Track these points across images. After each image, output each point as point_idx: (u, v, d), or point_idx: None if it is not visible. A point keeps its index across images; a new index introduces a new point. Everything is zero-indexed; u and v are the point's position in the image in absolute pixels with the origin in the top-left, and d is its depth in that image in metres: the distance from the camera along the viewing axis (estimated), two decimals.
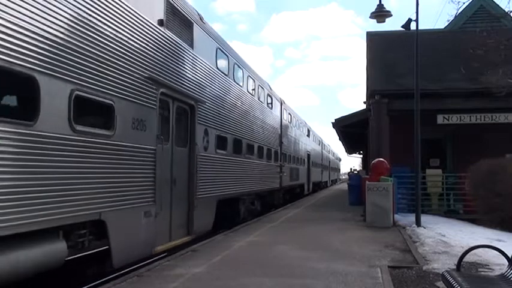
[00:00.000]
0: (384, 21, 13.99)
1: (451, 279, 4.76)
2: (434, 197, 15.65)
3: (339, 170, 79.18)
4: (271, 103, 18.16)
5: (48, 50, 5.17)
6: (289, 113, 22.30)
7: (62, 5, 5.45)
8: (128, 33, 6.94)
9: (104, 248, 6.61)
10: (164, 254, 8.51)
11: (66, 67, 5.47)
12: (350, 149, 39.84)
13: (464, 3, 12.94)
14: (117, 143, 6.54)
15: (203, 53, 10.18)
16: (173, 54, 8.57)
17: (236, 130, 12.80)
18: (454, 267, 5.84)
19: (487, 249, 6.16)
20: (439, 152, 17.68)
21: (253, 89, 15.20)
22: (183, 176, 9.07)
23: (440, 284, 5.98)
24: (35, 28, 5.00)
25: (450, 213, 14.90)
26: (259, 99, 16.01)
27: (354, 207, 17.56)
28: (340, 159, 74.66)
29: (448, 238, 9.82)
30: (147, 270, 7.08)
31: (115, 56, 6.55)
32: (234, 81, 12.89)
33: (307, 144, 29.41)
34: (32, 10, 4.93)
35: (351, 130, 21.82)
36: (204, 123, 10.08)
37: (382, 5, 13.65)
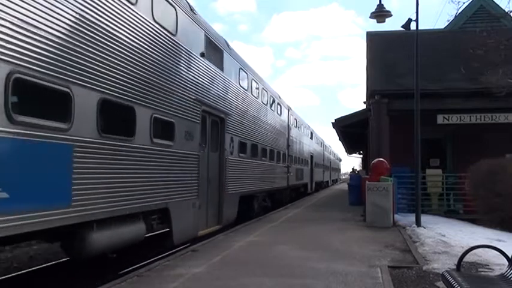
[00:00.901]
0: (384, 21, 13.99)
1: (451, 279, 4.76)
2: (434, 197, 15.64)
3: (340, 170, 79.82)
4: (281, 110, 20.17)
5: (141, 87, 7.35)
6: (295, 118, 24.15)
7: (147, 58, 7.59)
8: (185, 66, 9.20)
9: (164, 230, 8.67)
10: (165, 254, 8.77)
11: (150, 98, 7.62)
12: (350, 149, 39.84)
13: (464, 3, 12.96)
14: (176, 150, 8.59)
15: (230, 73, 12.37)
16: (210, 77, 10.70)
17: (253, 136, 14.88)
18: (454, 267, 5.84)
19: (487, 249, 6.15)
20: (439, 152, 17.67)
21: (266, 100, 17.33)
22: (216, 176, 11.15)
23: (440, 284, 5.98)
24: (134, 74, 7.13)
25: (450, 213, 14.89)
26: (271, 108, 18.05)
27: (354, 207, 17.56)
28: (340, 160, 75.09)
29: (448, 238, 9.82)
30: (147, 270, 7.09)
31: (177, 86, 8.76)
32: (252, 95, 14.95)
33: (310, 146, 30.97)
34: (123, 63, 6.89)
35: (351, 130, 21.81)
36: (230, 132, 12.18)
37: (382, 5, 13.65)
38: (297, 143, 24.58)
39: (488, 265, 7.33)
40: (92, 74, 6.02)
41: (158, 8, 7.91)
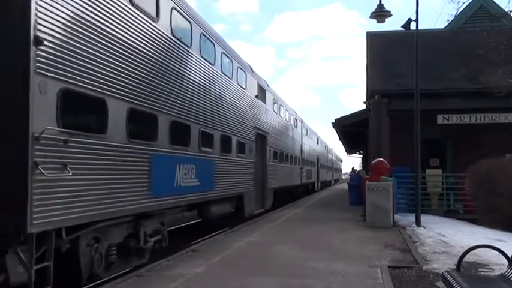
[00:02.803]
0: (384, 21, 13.97)
1: (451, 279, 4.76)
2: (434, 197, 15.64)
3: (341, 170, 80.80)
4: (296, 124, 25.14)
5: (234, 125, 12.58)
6: (306, 128, 29.33)
7: (238, 107, 13.11)
8: (249, 107, 14.38)
9: (232, 210, 13.11)
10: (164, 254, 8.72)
11: (237, 130, 12.77)
12: (350, 149, 39.81)
13: (464, 3, 12.91)
14: (245, 160, 13.67)
15: (269, 104, 17.69)
16: (259, 110, 15.89)
17: (281, 146, 19.91)
18: (454, 267, 5.84)
19: (487, 249, 6.13)
20: (439, 152, 17.66)
21: (288, 117, 22.37)
22: (260, 175, 15.87)
23: (440, 284, 5.98)
24: (234, 119, 12.57)
25: (450, 213, 14.88)
26: (291, 123, 23.07)
27: (354, 207, 17.57)
28: (341, 160, 75.67)
29: (448, 238, 9.82)
30: (147, 270, 7.09)
31: (247, 120, 14.07)
32: (280, 116, 20.14)
33: (316, 150, 35.36)
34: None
35: (351, 130, 21.81)
36: (269, 145, 17.26)
37: (382, 5, 13.63)
38: (307, 148, 28.99)
39: (488, 265, 7.34)
40: (215, 122, 10.89)
41: (240, 77, 13.23)
